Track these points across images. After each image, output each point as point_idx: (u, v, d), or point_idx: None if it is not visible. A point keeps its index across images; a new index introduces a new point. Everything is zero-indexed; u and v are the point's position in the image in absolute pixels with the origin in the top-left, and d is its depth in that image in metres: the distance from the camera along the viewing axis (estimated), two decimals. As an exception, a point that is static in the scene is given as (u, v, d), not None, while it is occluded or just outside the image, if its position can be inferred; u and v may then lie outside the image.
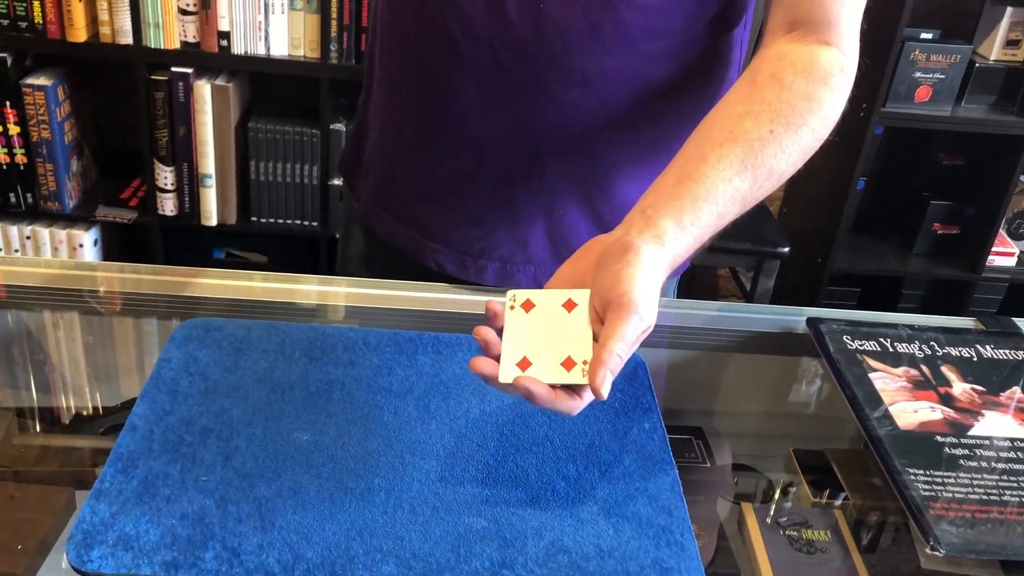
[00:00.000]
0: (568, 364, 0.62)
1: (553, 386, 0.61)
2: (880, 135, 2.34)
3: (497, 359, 0.63)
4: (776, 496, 0.75)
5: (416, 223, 0.93)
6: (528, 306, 0.67)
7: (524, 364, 0.63)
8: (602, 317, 0.63)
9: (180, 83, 2.03)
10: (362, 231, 1.00)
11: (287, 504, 0.61)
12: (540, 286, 0.68)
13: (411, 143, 0.90)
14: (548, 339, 0.64)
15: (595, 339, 0.63)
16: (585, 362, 0.62)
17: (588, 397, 0.62)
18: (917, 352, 0.86)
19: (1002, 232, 2.36)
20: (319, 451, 0.66)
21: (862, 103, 2.06)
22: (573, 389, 0.62)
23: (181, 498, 0.60)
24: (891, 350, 0.86)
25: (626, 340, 0.60)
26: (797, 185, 2.45)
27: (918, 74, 2.06)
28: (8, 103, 2.04)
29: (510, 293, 0.67)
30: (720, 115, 0.72)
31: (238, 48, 2.03)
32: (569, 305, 0.66)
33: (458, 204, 0.90)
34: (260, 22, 2.01)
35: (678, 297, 1.07)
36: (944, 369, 0.84)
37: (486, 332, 0.64)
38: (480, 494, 0.63)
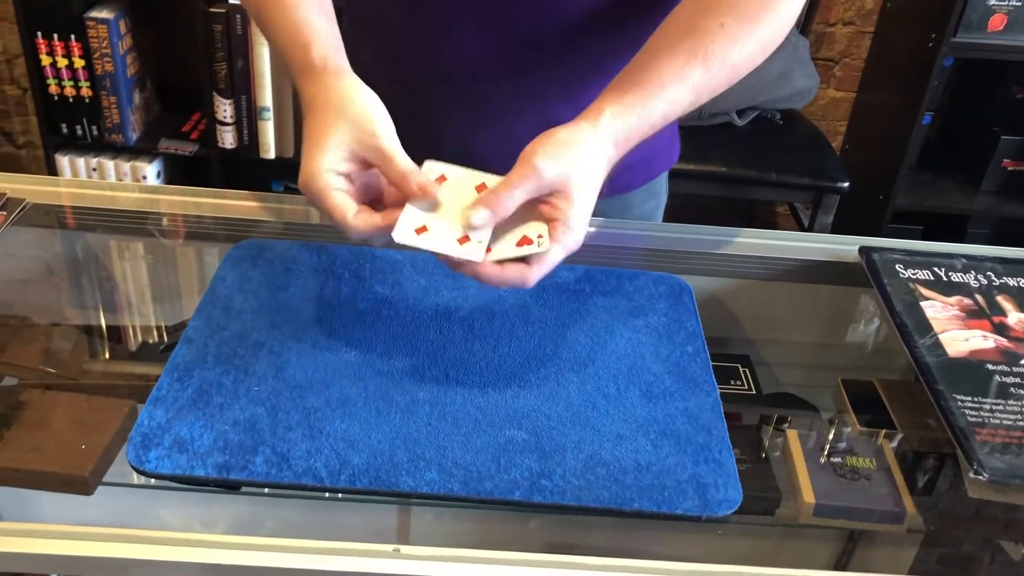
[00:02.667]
0: (524, 241, 0.66)
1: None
2: (950, 67, 2.25)
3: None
4: (822, 424, 0.75)
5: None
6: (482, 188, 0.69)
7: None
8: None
9: (237, 15, 2.04)
10: None
11: (335, 414, 0.63)
12: None
13: (394, 78, 0.91)
14: (506, 222, 0.67)
15: (545, 219, 0.66)
16: (540, 235, 0.65)
17: (546, 263, 0.65)
18: (972, 282, 0.84)
19: (1076, 169, 2.26)
20: (366, 366, 0.67)
21: (931, 33, 1.98)
22: (525, 260, 0.65)
23: (233, 406, 0.63)
24: (945, 279, 0.84)
25: (512, 186, 0.64)
26: (860, 120, 2.38)
27: (992, 1, 1.97)
28: (73, 36, 2.08)
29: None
30: (673, 16, 0.75)
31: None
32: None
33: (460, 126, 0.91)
34: (315, -47, 2.00)
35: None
36: (1000, 299, 0.82)
37: None
38: (521, 409, 0.65)
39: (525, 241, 0.65)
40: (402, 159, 0.65)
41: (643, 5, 0.85)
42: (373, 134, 0.65)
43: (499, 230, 0.66)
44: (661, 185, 1.06)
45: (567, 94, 0.89)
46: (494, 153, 0.92)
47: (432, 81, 0.89)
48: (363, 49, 0.94)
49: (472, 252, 0.64)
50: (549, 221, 0.65)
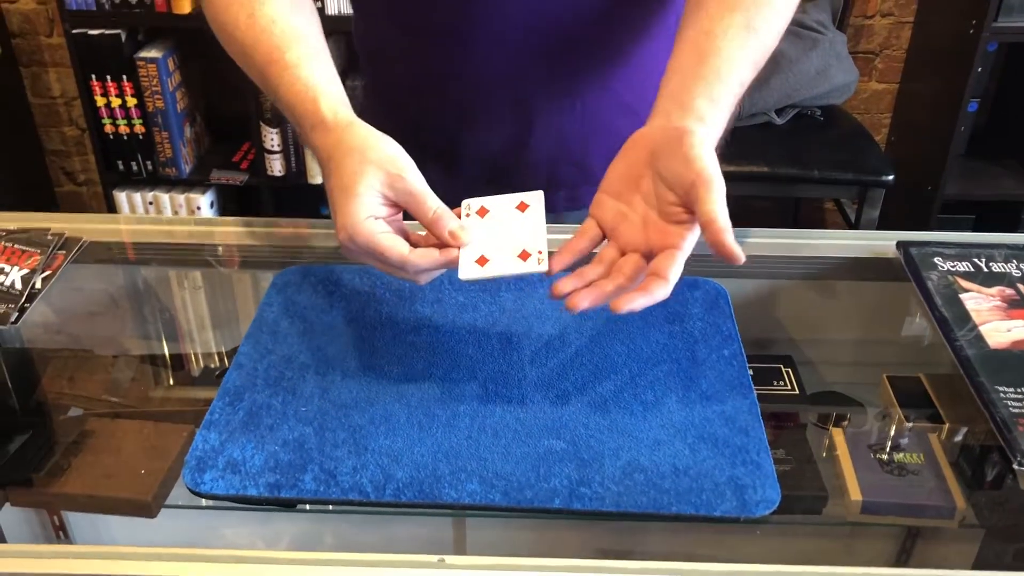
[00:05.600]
0: (524, 255, 0.67)
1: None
2: (993, 52, 2.21)
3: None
4: (868, 421, 0.75)
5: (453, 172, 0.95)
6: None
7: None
8: (684, 201, 0.64)
9: (280, 46, 2.10)
10: None
11: (379, 431, 0.65)
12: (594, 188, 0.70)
13: (427, 85, 0.92)
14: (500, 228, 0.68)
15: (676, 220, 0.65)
16: (540, 252, 0.66)
17: (675, 274, 0.63)
18: (1015, 271, 0.83)
19: None
20: (408, 382, 0.70)
21: (971, 19, 1.95)
22: (655, 272, 0.63)
23: (282, 427, 0.65)
24: (985, 271, 0.84)
25: (724, 207, 0.62)
26: (905, 110, 2.35)
27: (1034, -16, 1.93)
28: (124, 76, 2.16)
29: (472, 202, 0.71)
30: None
31: (332, 8, 2.08)
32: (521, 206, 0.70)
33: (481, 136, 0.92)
34: (352, -19, 2.05)
35: None
36: (1043, 288, 0.81)
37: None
38: (560, 419, 0.66)
39: (524, 255, 0.66)
40: (433, 200, 0.67)
41: None
42: (400, 176, 0.66)
43: (494, 237, 0.68)
44: None
45: (600, 82, 0.90)
46: (541, 149, 0.93)
47: (471, 89, 0.90)
48: (389, 83, 0.96)
49: (535, 265, 0.66)
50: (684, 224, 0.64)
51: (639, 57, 0.90)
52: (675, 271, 0.63)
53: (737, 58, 0.70)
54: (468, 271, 0.66)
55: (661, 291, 0.62)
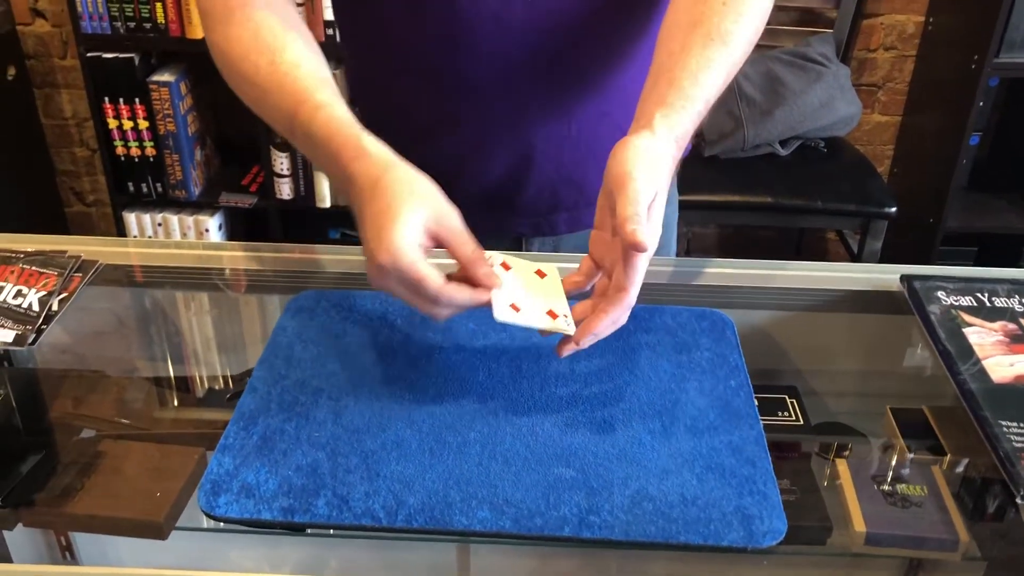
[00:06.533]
0: (551, 314, 0.71)
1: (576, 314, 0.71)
2: (995, 87, 2.23)
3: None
4: (871, 452, 0.76)
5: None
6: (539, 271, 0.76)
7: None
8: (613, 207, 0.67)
9: (290, 72, 2.12)
10: None
11: (391, 456, 0.66)
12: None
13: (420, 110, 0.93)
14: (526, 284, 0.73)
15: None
16: (566, 315, 0.71)
17: (634, 287, 0.67)
18: (1017, 306, 0.84)
19: None
20: (420, 408, 0.71)
21: (973, 54, 1.97)
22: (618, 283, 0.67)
23: (296, 452, 0.66)
24: (988, 305, 0.85)
25: (637, 203, 0.65)
26: (907, 143, 2.37)
27: (1035, 21, 1.95)
28: (137, 100, 2.18)
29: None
30: (676, 14, 0.77)
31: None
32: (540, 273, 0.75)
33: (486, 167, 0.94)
34: (363, 9, 2.07)
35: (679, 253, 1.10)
36: (1045, 323, 0.82)
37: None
38: (569, 447, 0.67)
39: (552, 314, 0.70)
40: (474, 241, 0.69)
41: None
42: (449, 213, 0.67)
43: (521, 290, 0.72)
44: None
45: (593, 105, 0.91)
46: (541, 174, 0.94)
47: (468, 123, 0.91)
48: (387, 120, 0.97)
49: (563, 325, 0.70)
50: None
51: (627, 76, 0.91)
52: (623, 309, 0.68)
53: (693, 63, 0.73)
54: (503, 314, 0.69)
55: (605, 329, 0.69)
